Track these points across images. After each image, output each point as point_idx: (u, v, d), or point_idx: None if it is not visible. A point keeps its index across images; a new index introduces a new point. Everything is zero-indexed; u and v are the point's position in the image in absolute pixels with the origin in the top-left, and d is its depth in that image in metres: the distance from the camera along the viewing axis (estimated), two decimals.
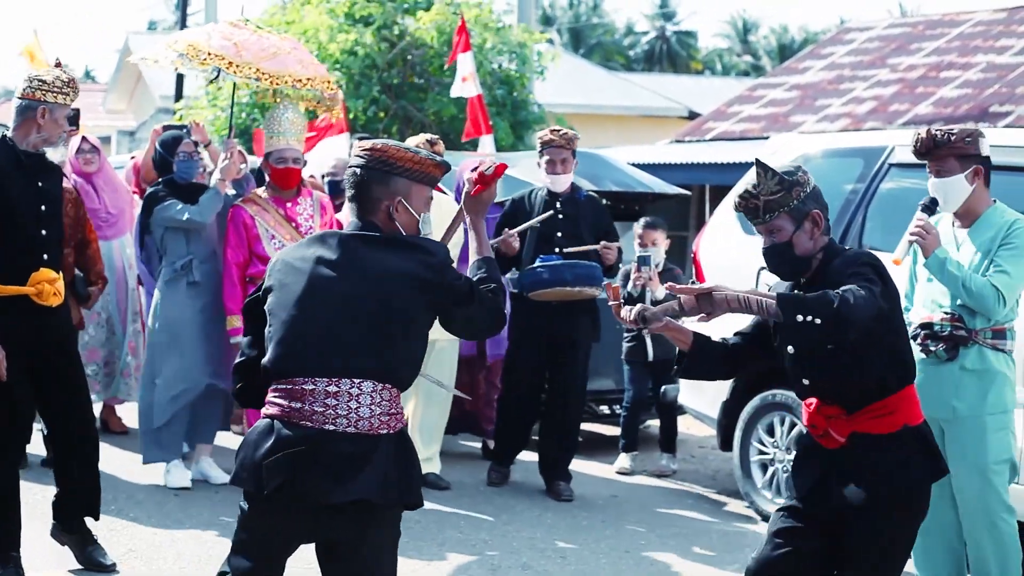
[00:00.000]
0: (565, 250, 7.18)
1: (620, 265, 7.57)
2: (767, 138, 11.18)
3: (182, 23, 22.83)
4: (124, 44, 30.51)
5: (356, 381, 3.48)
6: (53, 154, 5.62)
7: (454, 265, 3.77)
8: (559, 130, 7.33)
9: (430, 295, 3.58)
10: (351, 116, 14.50)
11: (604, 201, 8.33)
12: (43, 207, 5.47)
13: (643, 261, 7.81)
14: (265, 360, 3.59)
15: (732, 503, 7.54)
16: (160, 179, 7.47)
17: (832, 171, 7.22)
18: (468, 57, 11.73)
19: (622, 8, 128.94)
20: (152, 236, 7.43)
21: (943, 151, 5.09)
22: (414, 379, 3.66)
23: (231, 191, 7.30)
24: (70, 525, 5.70)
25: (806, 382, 4.13)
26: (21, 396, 5.44)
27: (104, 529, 6.31)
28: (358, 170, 3.64)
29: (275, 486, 3.45)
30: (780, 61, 44.98)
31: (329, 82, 7.31)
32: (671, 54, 56.04)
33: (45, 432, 6.10)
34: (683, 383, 7.66)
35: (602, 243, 7.24)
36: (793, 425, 6.93)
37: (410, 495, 3.59)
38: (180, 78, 21.34)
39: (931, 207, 5.17)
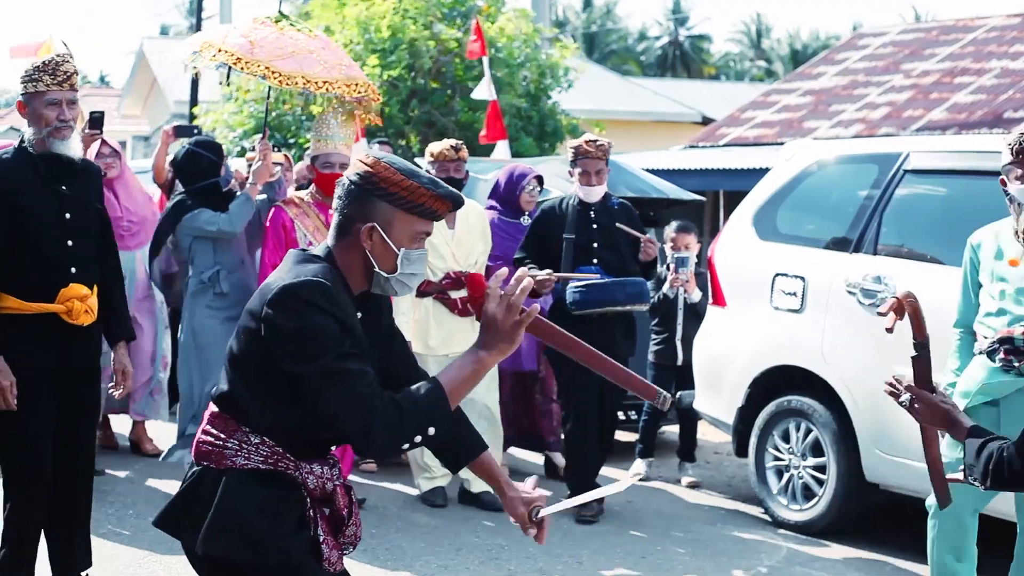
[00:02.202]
0: (616, 224, 7.01)
1: (657, 267, 7.44)
2: (781, 144, 11.20)
3: (197, 29, 22.91)
4: (139, 49, 30.66)
5: (210, 405, 3.20)
6: (65, 148, 4.94)
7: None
8: (594, 140, 7.07)
9: (256, 327, 3.03)
10: (385, 112, 14.43)
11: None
12: (67, 215, 4.97)
13: (681, 263, 7.89)
14: None
15: (747, 509, 7.54)
16: (187, 187, 7.26)
17: (847, 177, 7.25)
18: (483, 63, 11.77)
19: (635, 13, 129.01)
20: (179, 246, 7.29)
21: None
22: (280, 423, 3.09)
23: (261, 196, 7.13)
24: None
25: None
26: (36, 427, 4.96)
27: (122, 534, 6.36)
28: (347, 182, 3.14)
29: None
30: (793, 66, 44.96)
31: (354, 85, 6.80)
32: (684, 59, 56.09)
33: None
34: (698, 387, 7.67)
35: (647, 236, 7.07)
36: (808, 431, 6.94)
37: (198, 541, 3.10)
38: (195, 83, 21.42)
39: None
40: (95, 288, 5.10)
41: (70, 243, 4.98)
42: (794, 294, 6.99)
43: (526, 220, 7.70)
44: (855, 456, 6.69)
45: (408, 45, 14.41)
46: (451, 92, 15.01)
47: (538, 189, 7.95)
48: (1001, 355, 4.74)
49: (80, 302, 4.98)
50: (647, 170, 11.07)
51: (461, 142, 7.36)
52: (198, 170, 7.21)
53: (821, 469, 6.90)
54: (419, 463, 7.26)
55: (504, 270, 3.04)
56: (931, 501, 4.99)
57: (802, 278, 6.97)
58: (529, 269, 6.88)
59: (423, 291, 7.06)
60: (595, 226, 7.09)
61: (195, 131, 8.05)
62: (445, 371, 3.00)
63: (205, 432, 3.13)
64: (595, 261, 7.03)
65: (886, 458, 6.52)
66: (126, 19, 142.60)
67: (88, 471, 5.27)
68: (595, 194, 7.09)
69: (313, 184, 6.99)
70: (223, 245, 7.07)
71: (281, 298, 2.96)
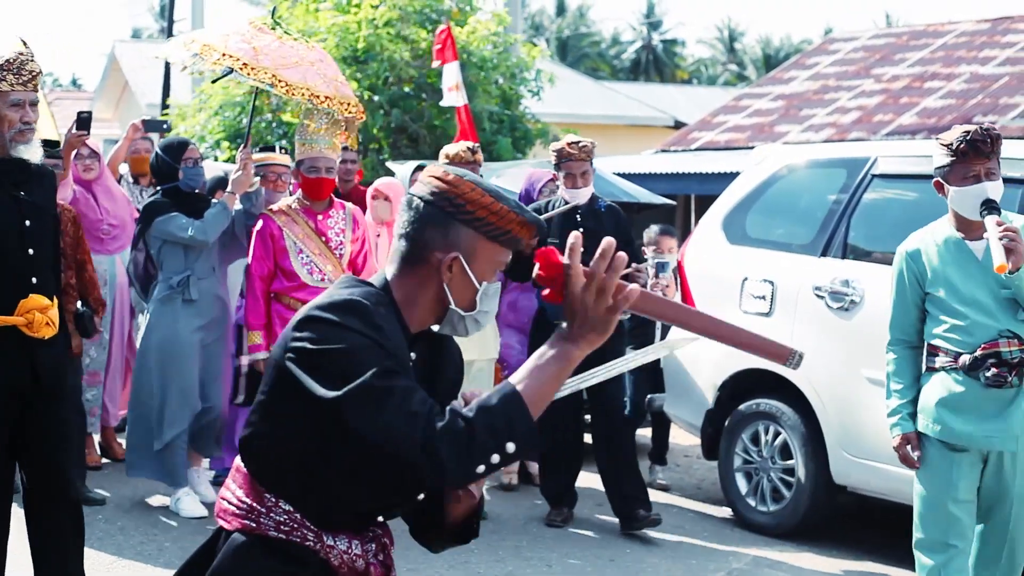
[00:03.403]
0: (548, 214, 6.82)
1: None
2: (752, 148, 11.26)
3: (168, 31, 22.85)
4: (111, 52, 30.53)
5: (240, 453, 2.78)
6: (28, 152, 4.68)
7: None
8: (577, 142, 6.90)
9: (281, 358, 2.57)
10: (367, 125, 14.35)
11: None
12: (27, 222, 4.66)
13: (661, 267, 7.89)
14: None
15: (716, 511, 7.57)
16: (159, 187, 7.02)
17: (816, 181, 7.29)
18: (454, 67, 11.76)
19: (608, 18, 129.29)
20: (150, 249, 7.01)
21: (998, 151, 4.59)
22: (303, 483, 2.63)
23: (238, 206, 6.95)
24: None
25: None
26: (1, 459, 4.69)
27: (91, 538, 6.33)
28: (418, 202, 2.63)
29: None
30: (766, 70, 45.13)
31: (348, 104, 6.71)
32: (657, 63, 56.21)
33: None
34: (668, 391, 7.69)
35: (634, 266, 6.76)
36: (777, 434, 6.97)
37: None
38: (167, 86, 21.29)
39: (996, 210, 4.51)
40: (55, 299, 4.79)
41: (31, 251, 4.69)
42: (763, 298, 7.03)
43: None
44: (823, 458, 6.72)
45: (387, 58, 14.41)
46: (423, 97, 15.00)
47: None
48: (992, 370, 4.52)
49: (41, 314, 4.67)
50: (619, 174, 11.09)
51: (477, 145, 7.23)
52: (161, 173, 7.02)
53: (790, 471, 6.93)
54: None
55: (577, 236, 2.44)
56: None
57: (771, 282, 7.00)
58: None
59: None
60: (581, 230, 6.92)
61: (164, 126, 7.88)
62: (520, 372, 2.46)
63: (226, 486, 2.73)
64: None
65: (853, 460, 6.55)
66: (98, 22, 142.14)
67: (69, 493, 4.86)
68: (581, 196, 6.93)
69: (300, 190, 6.85)
70: (194, 251, 6.86)
71: (308, 320, 2.51)
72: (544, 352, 2.46)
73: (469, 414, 2.39)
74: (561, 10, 56.84)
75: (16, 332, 4.63)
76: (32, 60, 4.67)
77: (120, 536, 6.45)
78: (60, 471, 4.79)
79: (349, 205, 7.01)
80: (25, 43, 4.73)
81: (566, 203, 6.96)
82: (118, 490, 7.28)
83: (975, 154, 4.52)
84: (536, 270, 2.46)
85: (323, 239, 6.73)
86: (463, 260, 2.59)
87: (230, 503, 2.68)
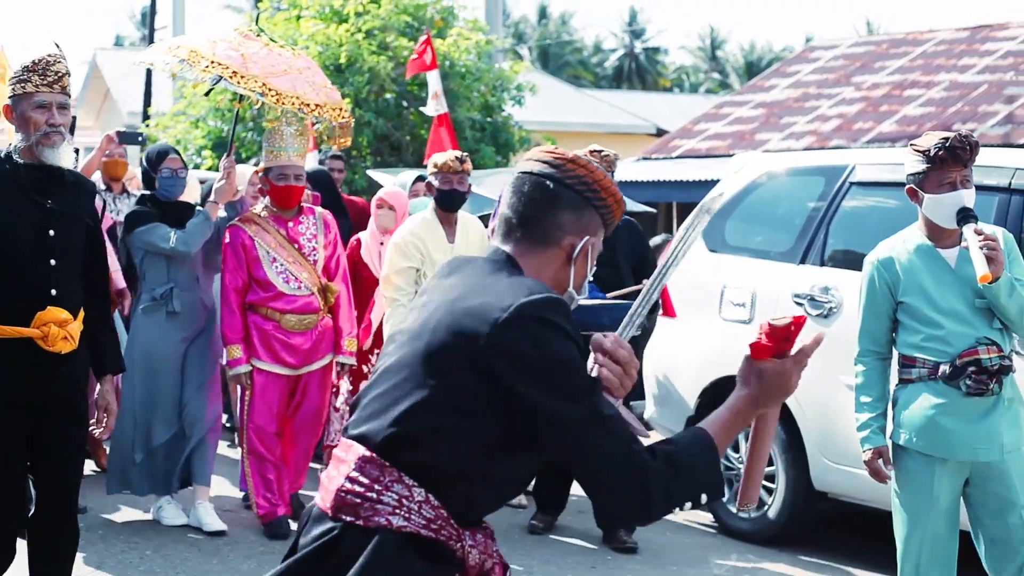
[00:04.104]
0: (608, 295, 6.79)
1: (658, 312, 7.00)
2: (733, 155, 11.30)
3: (150, 39, 22.84)
4: (92, 59, 30.49)
5: (348, 443, 2.58)
6: (54, 156, 4.48)
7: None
8: (599, 151, 6.77)
9: (472, 354, 2.44)
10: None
11: None
12: (51, 231, 4.48)
13: None
14: None
15: (698, 518, 7.59)
16: (143, 194, 6.89)
17: (795, 189, 7.32)
18: (435, 75, 11.78)
19: (591, 25, 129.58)
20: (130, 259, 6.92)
21: (975, 159, 4.53)
22: (464, 480, 2.52)
23: (222, 214, 6.83)
24: None
25: None
26: (13, 477, 4.52)
27: None
28: (549, 183, 2.61)
29: None
30: (748, 78, 45.25)
31: (340, 109, 6.69)
32: (640, 71, 56.33)
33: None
34: (649, 398, 7.71)
35: (644, 283, 6.79)
36: None
37: None
38: (148, 94, 21.27)
39: (973, 218, 4.45)
40: (79, 314, 4.57)
41: (53, 262, 4.48)
42: (743, 305, 7.05)
43: None
44: (803, 465, 6.75)
45: (368, 71, 14.44)
46: (405, 105, 15.03)
47: None
48: (973, 378, 4.45)
49: (58, 327, 4.44)
50: None
51: (466, 154, 7.15)
52: (145, 181, 6.95)
53: (770, 478, 6.96)
54: None
55: (822, 333, 2.62)
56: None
57: (751, 289, 7.03)
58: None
59: None
60: None
61: (140, 138, 7.86)
62: (716, 425, 2.56)
63: (351, 480, 2.52)
64: (591, 279, 6.79)
65: (833, 466, 6.58)
66: (80, 29, 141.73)
67: (68, 519, 4.67)
68: None
69: (268, 197, 6.78)
70: (177, 262, 6.72)
71: (523, 320, 2.44)
72: (734, 414, 2.59)
73: (678, 461, 2.46)
74: (543, 18, 56.94)
75: (32, 345, 4.43)
76: (60, 61, 4.52)
77: (101, 544, 6.43)
78: (68, 489, 4.65)
79: (319, 209, 6.98)
80: (57, 45, 4.60)
81: None
82: (99, 498, 7.25)
83: (954, 161, 4.46)
84: (788, 324, 2.59)
85: (295, 246, 6.70)
86: (592, 246, 2.64)
87: (364, 498, 2.51)
